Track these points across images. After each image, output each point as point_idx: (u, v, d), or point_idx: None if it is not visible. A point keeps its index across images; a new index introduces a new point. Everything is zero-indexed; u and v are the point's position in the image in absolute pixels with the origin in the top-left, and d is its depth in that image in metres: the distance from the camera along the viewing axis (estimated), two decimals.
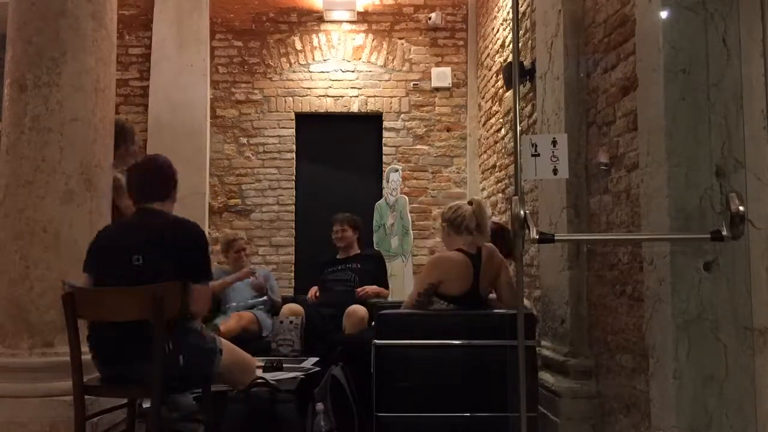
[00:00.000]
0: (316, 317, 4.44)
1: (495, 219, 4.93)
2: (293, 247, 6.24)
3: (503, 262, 3.42)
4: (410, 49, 6.40)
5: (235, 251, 5.08)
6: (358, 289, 4.58)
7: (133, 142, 3.79)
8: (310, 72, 6.38)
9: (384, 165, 6.31)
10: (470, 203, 3.42)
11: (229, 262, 5.10)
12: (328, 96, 6.36)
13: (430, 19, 6.33)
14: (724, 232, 2.11)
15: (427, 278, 3.27)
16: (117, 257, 2.63)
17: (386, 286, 4.88)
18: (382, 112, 6.37)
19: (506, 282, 3.37)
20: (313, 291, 4.88)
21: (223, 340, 2.88)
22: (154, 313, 2.44)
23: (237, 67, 6.37)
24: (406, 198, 6.08)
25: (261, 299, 4.90)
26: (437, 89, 6.38)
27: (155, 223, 2.71)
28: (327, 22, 6.39)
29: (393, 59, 6.40)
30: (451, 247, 3.36)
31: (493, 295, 3.44)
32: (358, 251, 4.96)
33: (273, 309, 4.83)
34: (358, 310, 4.28)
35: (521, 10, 4.44)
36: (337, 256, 4.95)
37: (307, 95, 6.37)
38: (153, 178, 2.85)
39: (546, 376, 3.40)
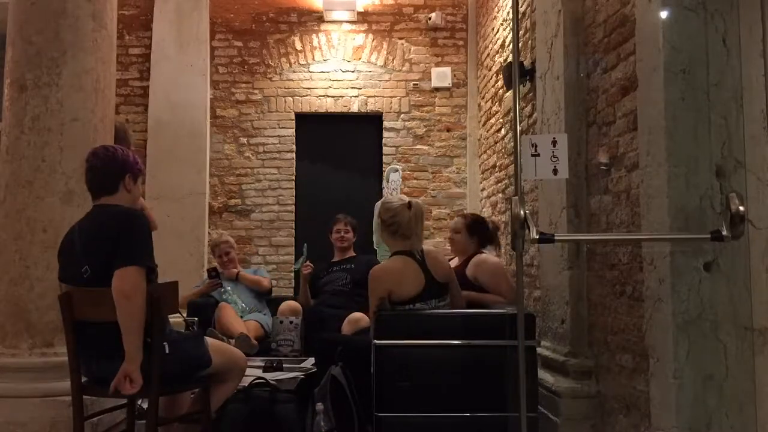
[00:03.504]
0: (314, 318, 4.43)
1: (466, 212, 4.99)
2: (293, 247, 6.24)
3: (450, 267, 3.46)
4: (410, 49, 6.40)
5: (218, 255, 5.08)
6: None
7: (129, 142, 3.76)
8: (310, 72, 6.38)
9: (384, 165, 6.31)
10: (409, 206, 3.32)
11: (219, 265, 5.08)
12: (328, 96, 6.37)
13: (430, 19, 6.33)
14: (724, 232, 2.11)
15: (375, 294, 3.19)
16: (71, 266, 2.57)
17: None
18: (382, 112, 6.37)
19: (456, 286, 3.38)
20: (308, 269, 4.78)
21: (209, 339, 2.86)
22: (151, 312, 2.44)
23: (237, 67, 6.37)
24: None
25: (263, 302, 4.90)
26: (437, 89, 6.38)
27: (98, 223, 2.57)
28: (327, 22, 6.39)
29: (393, 59, 6.40)
30: (391, 247, 3.37)
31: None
32: (353, 254, 4.93)
33: (259, 288, 4.90)
34: (360, 319, 4.20)
35: (521, 10, 4.44)
36: (333, 259, 4.90)
37: (307, 95, 6.37)
38: (98, 173, 2.63)
39: (546, 376, 3.40)
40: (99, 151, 2.68)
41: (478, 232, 3.92)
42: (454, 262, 3.93)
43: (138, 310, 2.42)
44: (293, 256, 6.21)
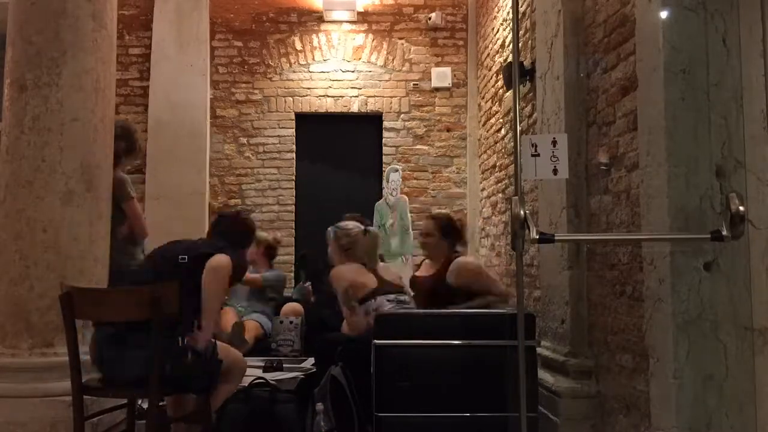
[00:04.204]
0: (314, 318, 4.42)
1: (439, 210, 5.06)
2: (293, 247, 6.24)
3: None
4: (410, 49, 6.41)
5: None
6: None
7: (135, 143, 3.81)
8: (310, 72, 6.38)
9: (384, 165, 6.31)
10: (365, 233, 3.70)
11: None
12: (328, 96, 6.37)
13: (430, 19, 6.34)
14: (724, 232, 2.11)
15: (339, 288, 3.56)
16: (164, 259, 2.88)
17: None
18: (382, 112, 6.37)
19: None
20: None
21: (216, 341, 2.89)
22: (153, 312, 2.44)
23: (237, 67, 6.37)
24: (407, 198, 6.08)
25: (262, 300, 4.87)
26: (437, 89, 6.38)
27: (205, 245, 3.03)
28: (327, 22, 6.39)
29: (393, 59, 6.40)
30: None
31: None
32: None
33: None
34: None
35: (521, 10, 4.44)
36: None
37: (307, 95, 6.37)
38: (233, 230, 3.20)
39: (546, 376, 3.39)
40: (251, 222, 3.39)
41: (450, 233, 3.83)
42: (427, 267, 3.90)
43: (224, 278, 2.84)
44: (293, 256, 6.21)
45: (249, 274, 4.92)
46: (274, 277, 5.04)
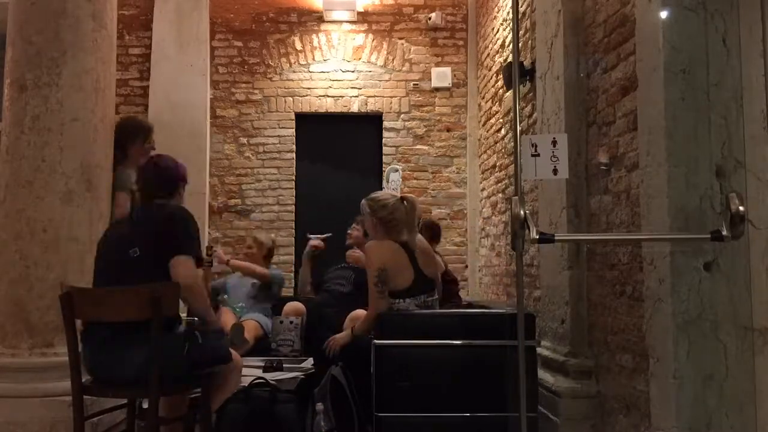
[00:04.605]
0: (315, 317, 4.42)
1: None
2: (293, 247, 6.24)
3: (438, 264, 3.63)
4: (410, 49, 6.41)
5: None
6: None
7: (150, 140, 3.77)
8: (310, 72, 6.38)
9: (384, 165, 6.31)
10: (403, 200, 3.44)
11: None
12: (328, 96, 6.37)
13: (430, 19, 6.33)
14: (724, 232, 2.11)
15: (373, 266, 3.27)
16: (117, 249, 2.69)
17: None
18: (382, 112, 6.37)
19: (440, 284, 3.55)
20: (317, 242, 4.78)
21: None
22: (153, 312, 2.44)
23: (237, 67, 6.37)
24: None
25: (264, 299, 4.85)
26: (437, 89, 6.38)
27: (151, 216, 2.80)
28: (327, 22, 6.39)
29: (393, 59, 6.40)
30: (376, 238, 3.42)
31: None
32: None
33: (260, 279, 4.82)
34: (360, 315, 4.17)
35: (521, 10, 4.44)
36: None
37: (307, 95, 6.37)
38: (158, 179, 2.91)
39: (546, 376, 3.40)
40: (164, 159, 2.98)
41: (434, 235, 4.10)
42: None
43: (200, 289, 2.80)
44: (293, 256, 6.21)
45: (257, 268, 4.91)
46: (278, 274, 5.07)
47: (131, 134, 3.52)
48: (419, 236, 3.50)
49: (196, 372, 2.69)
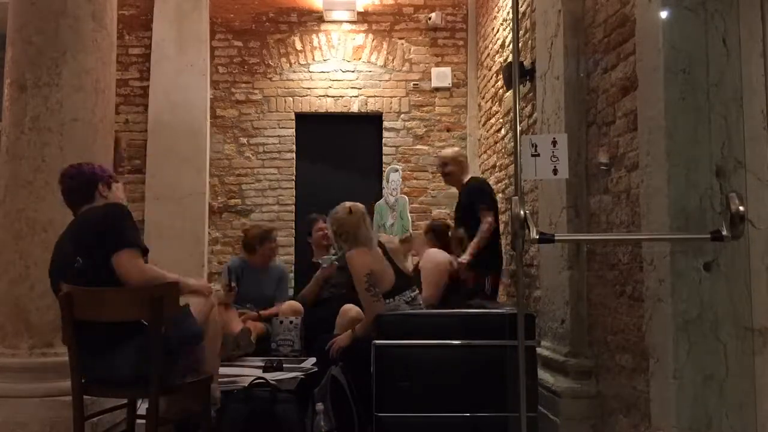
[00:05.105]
0: (313, 317, 4.41)
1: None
2: (293, 247, 6.24)
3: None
4: (410, 49, 6.40)
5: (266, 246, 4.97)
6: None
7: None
8: (310, 72, 6.38)
9: (384, 165, 6.31)
10: (350, 211, 3.56)
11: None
12: (328, 96, 6.36)
13: (430, 19, 6.33)
14: (724, 232, 2.11)
15: (360, 272, 3.36)
16: (63, 263, 2.62)
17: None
18: (382, 112, 6.37)
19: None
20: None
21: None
22: (153, 312, 2.44)
23: (237, 67, 6.37)
24: (406, 198, 6.08)
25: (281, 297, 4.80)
26: (437, 89, 6.38)
27: (84, 220, 2.70)
28: (327, 22, 6.39)
29: (393, 59, 6.40)
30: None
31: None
32: None
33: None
34: (350, 310, 4.16)
35: (521, 10, 4.44)
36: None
37: (307, 95, 6.37)
38: (74, 189, 2.79)
39: (546, 376, 3.40)
40: (68, 171, 2.82)
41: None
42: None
43: (153, 273, 2.59)
44: (293, 256, 6.21)
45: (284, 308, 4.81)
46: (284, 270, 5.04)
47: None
48: (387, 236, 3.68)
49: (172, 364, 2.61)
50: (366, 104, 6.36)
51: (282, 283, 4.97)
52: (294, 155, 6.34)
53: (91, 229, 2.61)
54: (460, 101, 6.38)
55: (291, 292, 5.80)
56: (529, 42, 4.26)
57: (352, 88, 6.36)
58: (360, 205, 3.66)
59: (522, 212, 2.19)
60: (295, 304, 4.62)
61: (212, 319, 2.94)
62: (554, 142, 2.44)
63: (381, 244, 3.57)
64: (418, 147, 6.35)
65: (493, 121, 5.57)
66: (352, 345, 3.42)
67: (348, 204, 3.62)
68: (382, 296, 3.35)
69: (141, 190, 5.95)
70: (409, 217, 6.00)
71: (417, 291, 3.56)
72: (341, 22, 6.39)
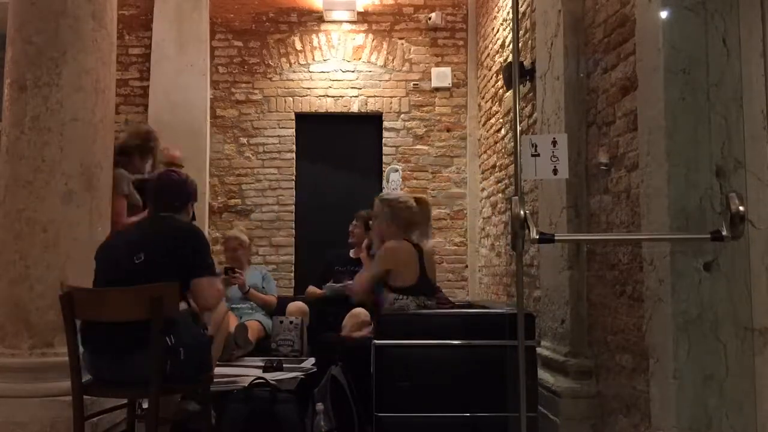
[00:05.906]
0: (318, 318, 4.41)
1: None
2: (293, 247, 6.24)
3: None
4: (410, 49, 6.40)
5: (227, 250, 5.01)
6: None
7: (154, 150, 3.94)
8: (310, 72, 6.38)
9: (384, 165, 6.31)
10: (417, 202, 3.56)
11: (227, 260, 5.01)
12: (328, 96, 6.36)
13: (430, 19, 6.33)
14: (724, 232, 2.11)
15: (381, 266, 3.36)
16: (121, 255, 2.67)
17: None
18: (382, 112, 6.37)
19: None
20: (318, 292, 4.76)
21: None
22: (153, 312, 2.44)
23: (237, 67, 6.37)
24: None
25: (247, 303, 4.80)
26: (437, 89, 6.38)
27: (161, 227, 2.81)
28: (327, 22, 6.39)
29: (393, 59, 6.40)
30: (393, 237, 3.44)
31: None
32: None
33: (267, 308, 4.75)
34: (360, 313, 4.17)
35: (521, 10, 4.44)
36: (351, 255, 4.82)
37: (307, 95, 6.37)
38: (168, 192, 2.94)
39: (546, 376, 3.40)
40: (172, 174, 3.05)
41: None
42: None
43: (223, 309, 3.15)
44: (293, 256, 6.21)
45: (270, 299, 4.80)
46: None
47: (148, 146, 3.71)
48: (428, 241, 3.59)
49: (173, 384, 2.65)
50: (366, 104, 6.36)
51: (268, 282, 5.02)
52: (294, 155, 6.34)
53: (177, 238, 2.73)
54: (460, 101, 6.39)
55: (291, 292, 5.82)
56: (529, 42, 4.26)
57: (352, 88, 6.36)
58: (426, 199, 3.83)
59: (522, 212, 2.18)
60: (300, 304, 4.62)
61: (224, 327, 2.99)
62: (554, 142, 2.44)
63: (419, 247, 3.47)
64: (418, 147, 6.35)
65: (493, 121, 5.57)
66: (352, 345, 3.42)
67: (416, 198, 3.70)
68: (397, 291, 3.30)
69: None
70: None
71: (434, 301, 3.47)
72: (341, 22, 6.39)
